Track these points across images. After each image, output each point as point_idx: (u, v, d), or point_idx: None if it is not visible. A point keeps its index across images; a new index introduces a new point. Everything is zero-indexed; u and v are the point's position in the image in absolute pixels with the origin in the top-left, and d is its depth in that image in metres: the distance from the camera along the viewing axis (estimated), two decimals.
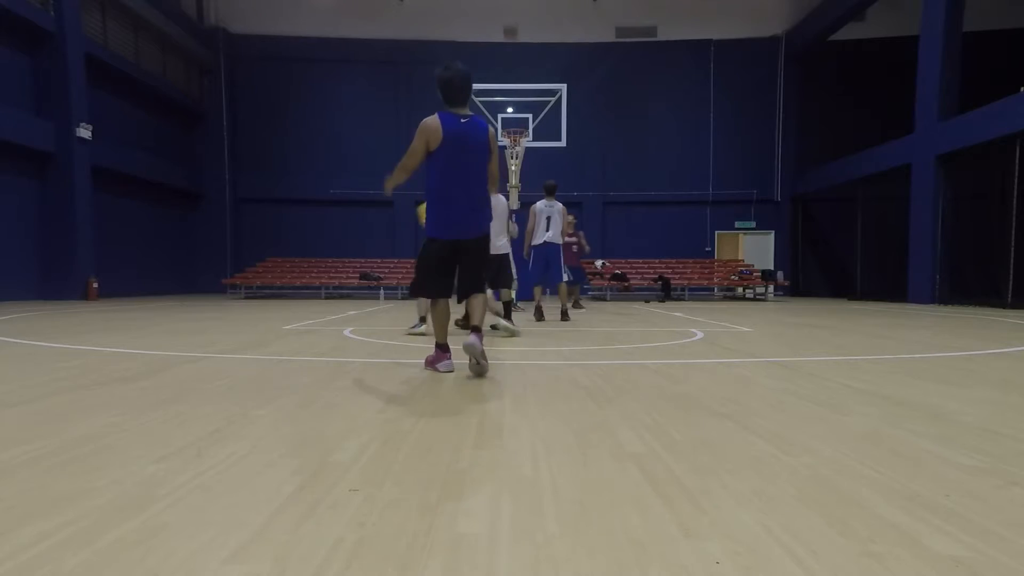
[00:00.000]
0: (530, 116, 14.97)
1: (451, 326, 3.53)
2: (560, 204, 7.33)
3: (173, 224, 18.42)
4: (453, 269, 3.21)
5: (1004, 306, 10.88)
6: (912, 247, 13.30)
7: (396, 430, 1.94)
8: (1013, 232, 10.94)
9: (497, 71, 17.84)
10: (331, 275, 17.31)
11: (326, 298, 15.96)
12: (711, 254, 19.81)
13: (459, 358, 3.27)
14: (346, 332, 5.60)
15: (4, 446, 1.73)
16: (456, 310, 4.53)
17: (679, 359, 3.81)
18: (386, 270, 17.91)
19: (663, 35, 19.60)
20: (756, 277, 17.17)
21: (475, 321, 3.16)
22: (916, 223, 13.17)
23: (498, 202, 5.46)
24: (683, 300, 15.94)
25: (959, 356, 3.99)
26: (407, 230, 19.86)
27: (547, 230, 7.11)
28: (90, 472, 1.50)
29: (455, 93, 3.09)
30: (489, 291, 4.79)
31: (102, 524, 1.17)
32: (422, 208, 7.72)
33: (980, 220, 12.00)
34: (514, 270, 6.29)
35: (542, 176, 20.39)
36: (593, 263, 17.33)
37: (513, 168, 14.30)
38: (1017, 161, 10.87)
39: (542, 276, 7.28)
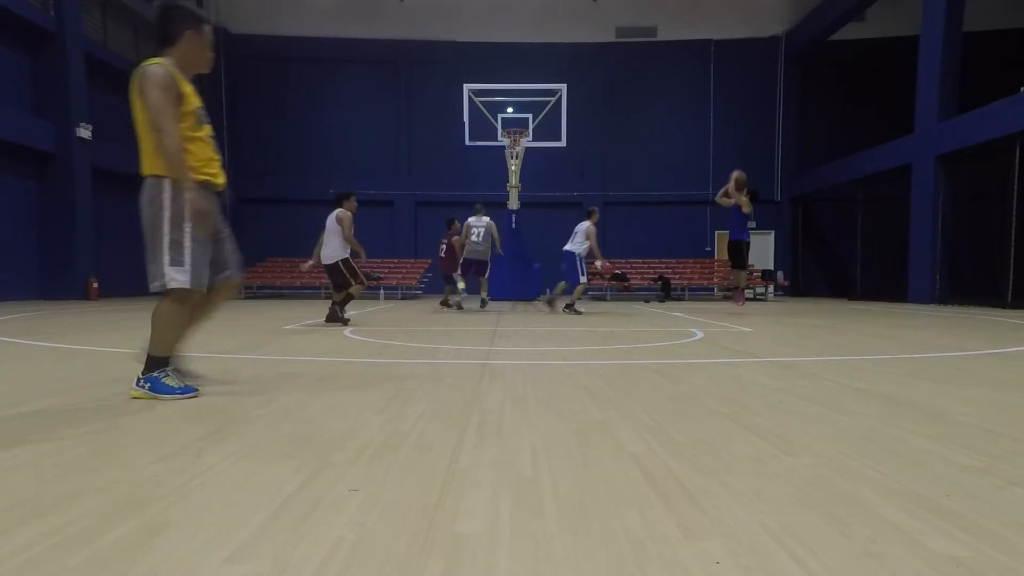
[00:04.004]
0: (530, 116, 14.98)
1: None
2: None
3: None
4: None
5: (1004, 306, 10.88)
6: (912, 247, 13.30)
7: (396, 430, 1.94)
8: (1013, 232, 10.94)
9: (497, 71, 17.86)
10: None
11: (326, 298, 15.93)
12: (711, 254, 19.81)
13: (459, 358, 3.26)
14: (346, 332, 5.61)
15: (4, 446, 1.73)
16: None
17: (679, 359, 3.81)
18: (386, 270, 17.91)
19: (663, 35, 19.60)
20: (756, 277, 17.16)
21: None
22: (916, 223, 13.17)
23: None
24: (683, 300, 15.94)
25: (959, 356, 3.99)
26: (407, 230, 19.87)
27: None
28: (90, 472, 1.50)
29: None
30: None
31: (102, 524, 1.17)
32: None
33: (980, 220, 12.01)
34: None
35: (542, 176, 20.42)
36: (593, 263, 17.37)
37: (513, 168, 14.31)
38: (1017, 161, 10.87)
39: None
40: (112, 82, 15.44)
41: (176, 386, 2.42)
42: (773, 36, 19.28)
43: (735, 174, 8.73)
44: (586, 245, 8.64)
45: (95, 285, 13.74)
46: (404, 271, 18.05)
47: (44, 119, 13.19)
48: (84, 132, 13.63)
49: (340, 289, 6.85)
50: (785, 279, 18.97)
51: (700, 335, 5.45)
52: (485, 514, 1.24)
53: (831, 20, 16.86)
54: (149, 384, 2.40)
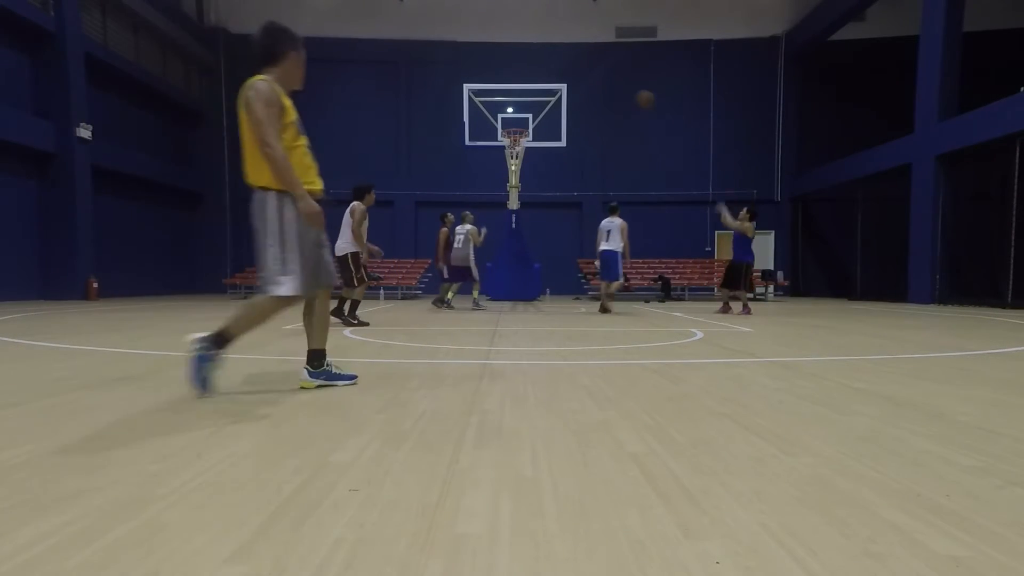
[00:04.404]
0: (530, 116, 14.97)
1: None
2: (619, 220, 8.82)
3: (173, 224, 18.41)
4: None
5: (1004, 306, 10.88)
6: (912, 247, 13.30)
7: (396, 430, 1.94)
8: (1013, 232, 10.94)
9: (497, 71, 17.86)
10: None
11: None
12: (711, 254, 19.81)
13: (459, 358, 3.26)
14: (346, 332, 5.61)
15: (4, 446, 1.73)
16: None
17: (679, 359, 3.81)
18: (386, 270, 17.91)
19: (663, 35, 19.60)
20: (756, 277, 17.16)
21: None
22: (916, 223, 13.17)
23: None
24: (683, 300, 15.94)
25: (959, 356, 3.99)
26: (407, 230, 19.87)
27: (606, 241, 8.78)
28: (90, 472, 1.50)
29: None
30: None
31: (102, 524, 1.18)
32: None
33: (980, 220, 12.01)
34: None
35: (542, 176, 20.38)
36: (593, 263, 17.37)
37: (513, 168, 14.31)
38: (1017, 161, 10.87)
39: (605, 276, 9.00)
40: (112, 82, 15.44)
41: (208, 377, 2.46)
42: (773, 36, 19.28)
43: (642, 100, 8.58)
44: (623, 243, 8.68)
45: (95, 285, 13.74)
46: (404, 271, 18.05)
47: (44, 119, 13.18)
48: (84, 132, 13.62)
49: (346, 284, 6.76)
50: (785, 279, 18.97)
51: (700, 335, 5.45)
52: (485, 514, 1.24)
53: (831, 20, 16.86)
54: (199, 357, 2.43)
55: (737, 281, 8.79)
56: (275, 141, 2.40)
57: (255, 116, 2.40)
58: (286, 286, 2.48)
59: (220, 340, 2.47)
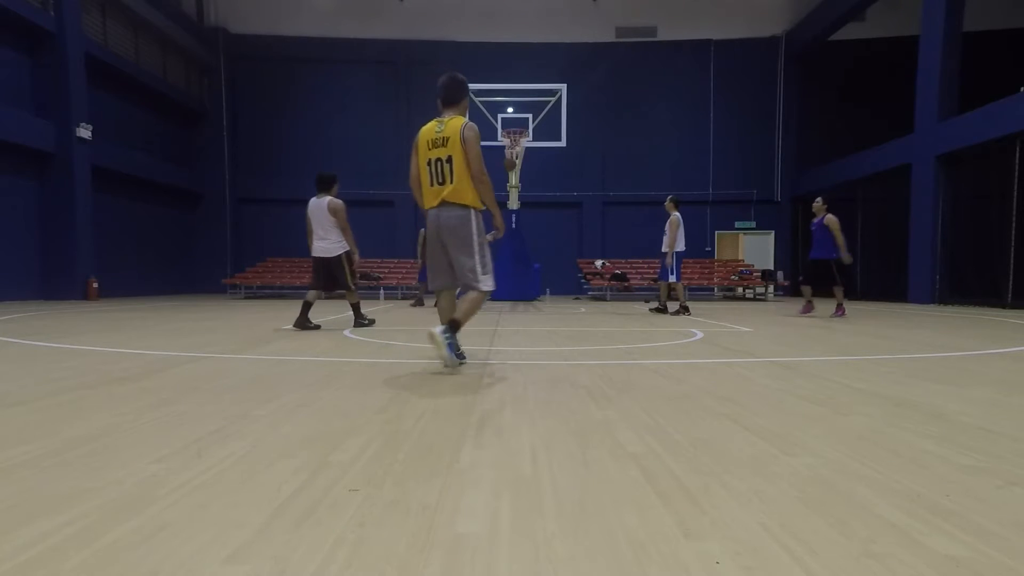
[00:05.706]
0: (530, 116, 14.97)
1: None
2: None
3: (173, 224, 18.41)
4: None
5: (1004, 306, 10.88)
6: (912, 247, 13.30)
7: (396, 430, 1.94)
8: (1013, 232, 10.94)
9: (497, 71, 17.86)
10: None
11: (326, 298, 15.95)
12: (711, 254, 19.80)
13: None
14: (346, 332, 5.60)
15: (4, 446, 1.73)
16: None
17: (679, 359, 3.81)
18: (386, 270, 17.90)
19: (663, 35, 19.60)
20: (756, 277, 17.16)
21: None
22: (916, 223, 13.17)
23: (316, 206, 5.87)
24: None
25: (959, 356, 3.99)
26: (407, 230, 19.87)
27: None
28: (90, 472, 1.50)
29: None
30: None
31: (102, 524, 1.18)
32: None
33: (980, 220, 12.00)
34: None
35: (543, 176, 20.32)
36: (593, 263, 17.36)
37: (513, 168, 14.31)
38: (1017, 161, 10.87)
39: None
40: (112, 82, 15.44)
41: (461, 353, 3.25)
42: (773, 36, 19.28)
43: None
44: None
45: (95, 285, 13.74)
46: (404, 271, 18.03)
47: (44, 119, 13.18)
48: (84, 132, 13.61)
49: (335, 287, 5.99)
50: (785, 279, 18.96)
51: (700, 335, 5.45)
52: (485, 514, 1.24)
53: (831, 20, 16.85)
54: (449, 342, 3.10)
55: (824, 279, 8.52)
56: (486, 173, 3.18)
57: (475, 152, 3.14)
58: (489, 283, 3.21)
59: (455, 326, 3.13)
